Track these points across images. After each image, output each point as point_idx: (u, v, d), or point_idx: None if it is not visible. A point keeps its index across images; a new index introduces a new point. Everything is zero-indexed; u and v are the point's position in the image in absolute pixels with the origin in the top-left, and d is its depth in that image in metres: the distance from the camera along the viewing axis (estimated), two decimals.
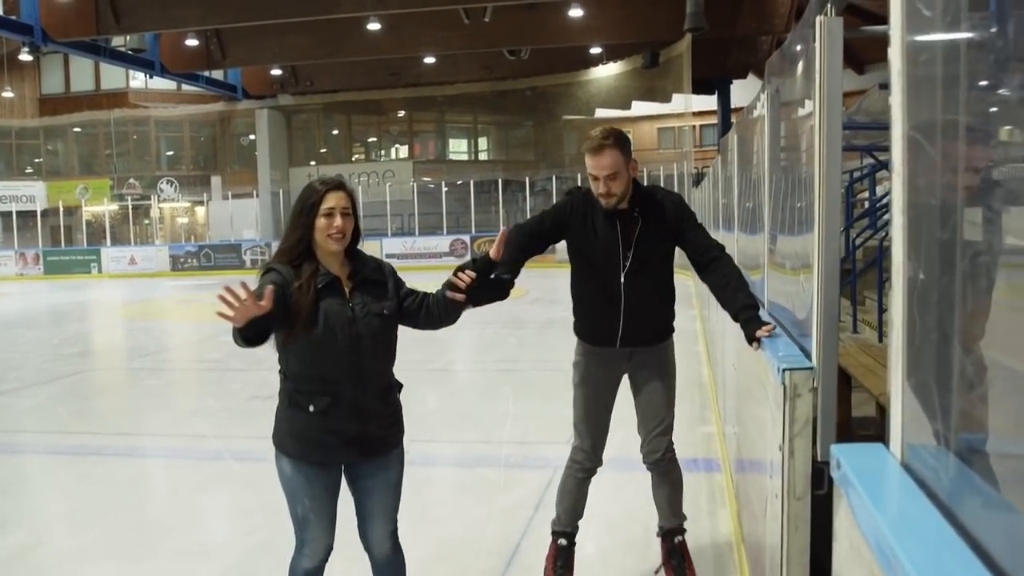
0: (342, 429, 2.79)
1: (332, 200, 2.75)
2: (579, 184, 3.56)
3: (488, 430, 6.48)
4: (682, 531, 3.70)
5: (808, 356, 2.28)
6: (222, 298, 2.48)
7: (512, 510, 4.62)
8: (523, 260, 3.34)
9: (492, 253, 2.94)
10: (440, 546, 4.25)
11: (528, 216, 28.02)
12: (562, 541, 3.69)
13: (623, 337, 3.46)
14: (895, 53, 1.27)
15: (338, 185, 2.81)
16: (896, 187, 1.25)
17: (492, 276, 2.97)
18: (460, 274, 2.89)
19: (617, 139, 3.28)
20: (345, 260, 2.89)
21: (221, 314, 2.50)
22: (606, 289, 3.42)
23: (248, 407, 7.63)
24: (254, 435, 6.60)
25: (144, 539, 4.46)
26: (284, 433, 2.85)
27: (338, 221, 2.75)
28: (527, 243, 3.40)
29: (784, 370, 2.16)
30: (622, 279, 3.39)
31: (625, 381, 3.63)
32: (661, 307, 3.55)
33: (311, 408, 2.75)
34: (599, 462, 3.62)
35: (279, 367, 2.88)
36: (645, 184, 3.52)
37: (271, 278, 2.73)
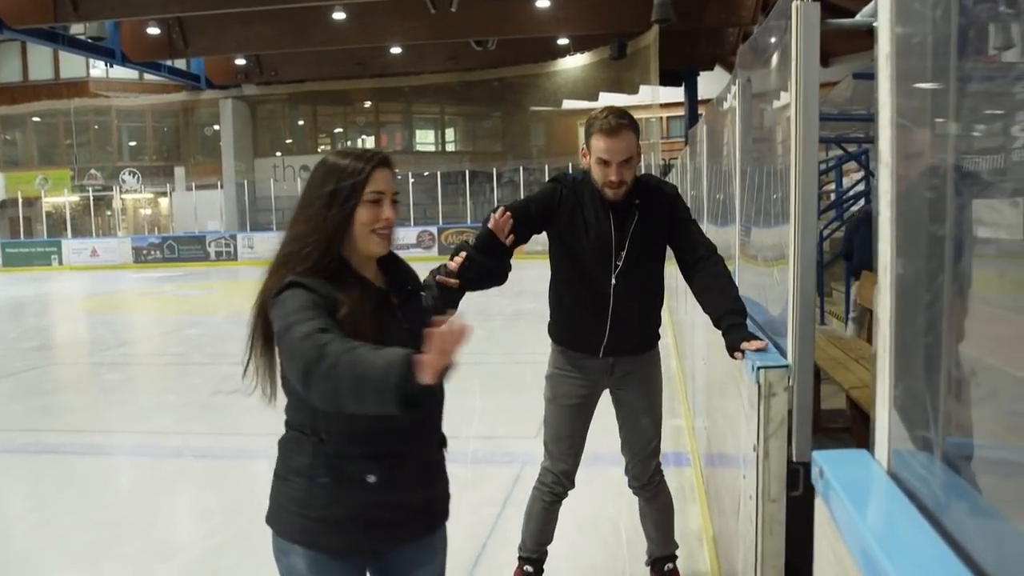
0: (408, 499, 2.02)
1: (380, 181, 1.94)
2: (568, 172, 3.17)
3: (455, 425, 6.34)
4: (673, 558, 3.48)
5: (783, 353, 2.22)
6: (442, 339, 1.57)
7: (479, 507, 4.54)
8: (514, 246, 2.91)
9: (492, 225, 2.67)
10: None
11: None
12: (528, 568, 3.42)
13: (608, 345, 3.12)
14: (884, 37, 1.20)
15: (384, 160, 1.98)
16: (883, 179, 1.18)
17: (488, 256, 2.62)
18: (454, 259, 2.52)
19: (632, 120, 2.94)
20: (376, 265, 2.08)
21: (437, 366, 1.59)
22: (593, 290, 3.06)
23: (210, 402, 7.49)
24: (215, 431, 6.50)
25: (100, 541, 4.33)
26: (314, 520, 1.95)
27: (388, 211, 1.96)
28: (515, 228, 2.92)
29: (759, 368, 2.10)
30: (613, 279, 3.03)
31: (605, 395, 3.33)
32: (651, 312, 3.22)
33: (370, 479, 1.93)
34: (571, 485, 3.32)
35: (296, 424, 2.03)
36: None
37: (310, 299, 1.84)
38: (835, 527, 1.18)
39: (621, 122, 2.88)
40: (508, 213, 2.72)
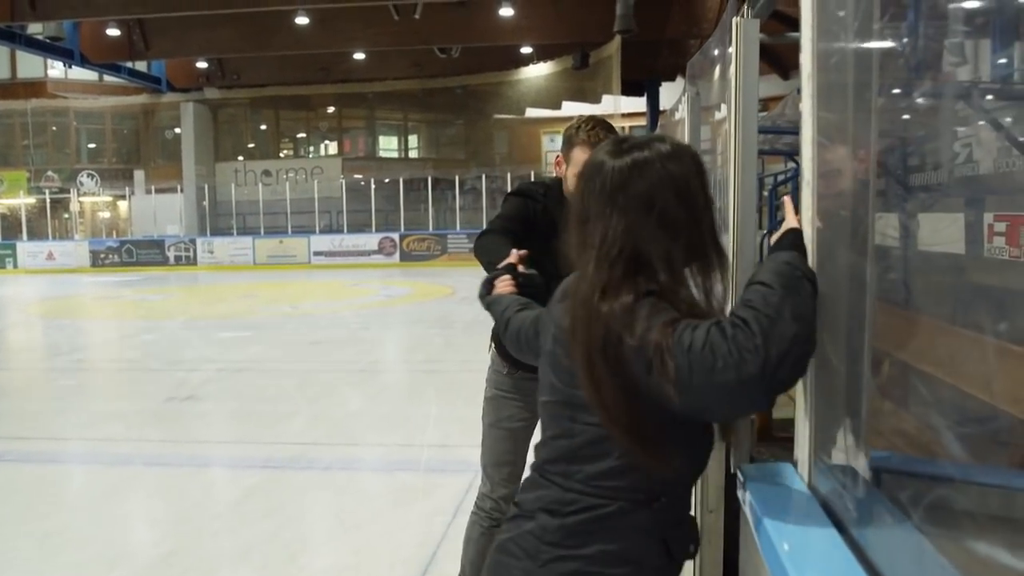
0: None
1: None
2: (531, 183, 3.06)
3: (410, 433, 6.37)
4: None
5: None
6: None
7: (430, 516, 4.53)
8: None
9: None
10: (354, 554, 4.13)
11: (457, 214, 27.91)
12: None
13: None
14: (806, 57, 1.21)
15: None
16: (805, 196, 1.20)
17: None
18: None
19: (615, 133, 2.76)
20: None
21: None
22: None
23: (163, 409, 7.38)
24: (167, 439, 6.41)
25: (42, 551, 4.24)
26: None
27: None
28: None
29: None
30: None
31: None
32: None
33: (692, 548, 1.59)
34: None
35: (615, 490, 1.51)
36: None
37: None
38: (755, 539, 1.19)
39: (608, 135, 2.73)
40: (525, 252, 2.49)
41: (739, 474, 1.33)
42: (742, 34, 2.03)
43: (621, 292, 1.42)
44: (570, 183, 2.76)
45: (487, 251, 2.59)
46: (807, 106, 1.19)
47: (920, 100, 1.18)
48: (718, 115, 2.40)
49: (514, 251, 2.39)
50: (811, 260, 1.20)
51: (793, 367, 1.23)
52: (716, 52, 2.40)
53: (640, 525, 1.46)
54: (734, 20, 2.04)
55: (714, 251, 1.48)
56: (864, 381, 1.21)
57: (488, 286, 2.24)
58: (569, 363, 1.50)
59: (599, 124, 2.79)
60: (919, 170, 1.29)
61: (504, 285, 2.21)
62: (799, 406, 1.22)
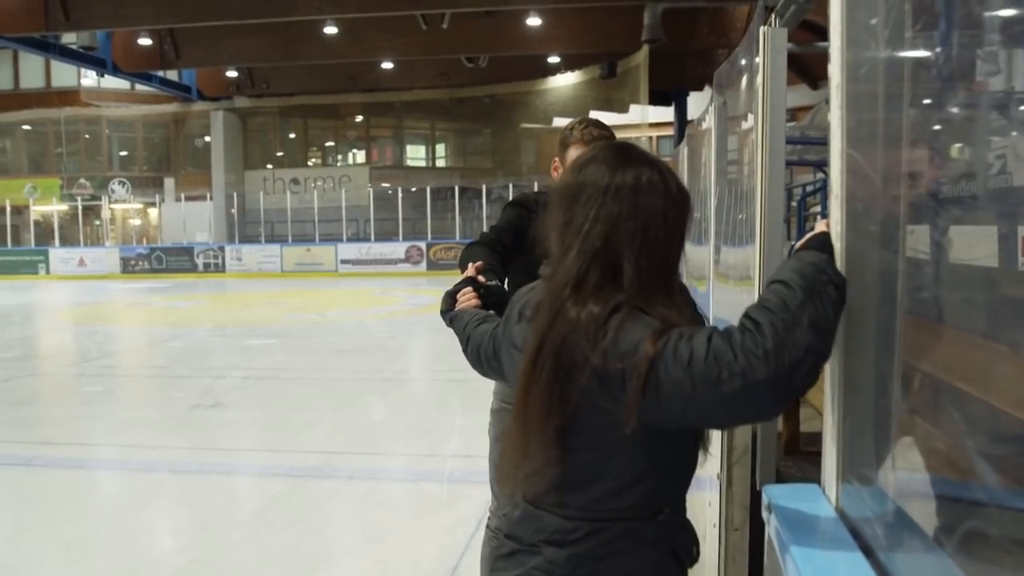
0: None
1: None
2: (530, 192, 3.00)
3: (434, 443, 6.35)
4: None
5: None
6: None
7: (452, 527, 4.50)
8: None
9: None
10: (376, 564, 4.11)
11: (484, 224, 27.91)
12: None
13: None
14: (835, 66, 1.18)
15: None
16: (834, 210, 1.17)
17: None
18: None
19: (612, 134, 2.74)
20: None
21: None
22: None
23: (188, 416, 7.42)
24: (192, 446, 6.43)
25: (67, 557, 4.26)
26: None
27: None
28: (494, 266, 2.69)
29: None
30: None
31: None
32: None
33: (696, 552, 1.58)
34: None
35: (620, 508, 1.47)
36: None
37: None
38: (779, 563, 1.15)
39: (603, 133, 2.69)
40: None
41: (764, 495, 1.29)
42: (769, 44, 2.00)
43: (590, 299, 1.36)
44: None
45: (464, 264, 2.55)
46: (836, 117, 1.16)
47: (953, 110, 1.15)
48: (745, 125, 2.36)
49: (471, 264, 2.32)
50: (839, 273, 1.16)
51: (805, 377, 1.17)
52: (744, 62, 2.37)
53: (648, 540, 1.42)
54: (761, 29, 2.01)
55: (673, 279, 1.44)
56: (894, 400, 1.17)
57: (451, 300, 2.13)
58: None
59: (592, 123, 2.73)
60: (952, 182, 1.26)
61: (466, 298, 2.11)
62: (826, 425, 1.19)
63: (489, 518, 3.06)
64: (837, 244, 1.17)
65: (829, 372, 1.18)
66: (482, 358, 1.83)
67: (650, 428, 1.33)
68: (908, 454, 1.17)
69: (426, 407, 7.79)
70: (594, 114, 28.15)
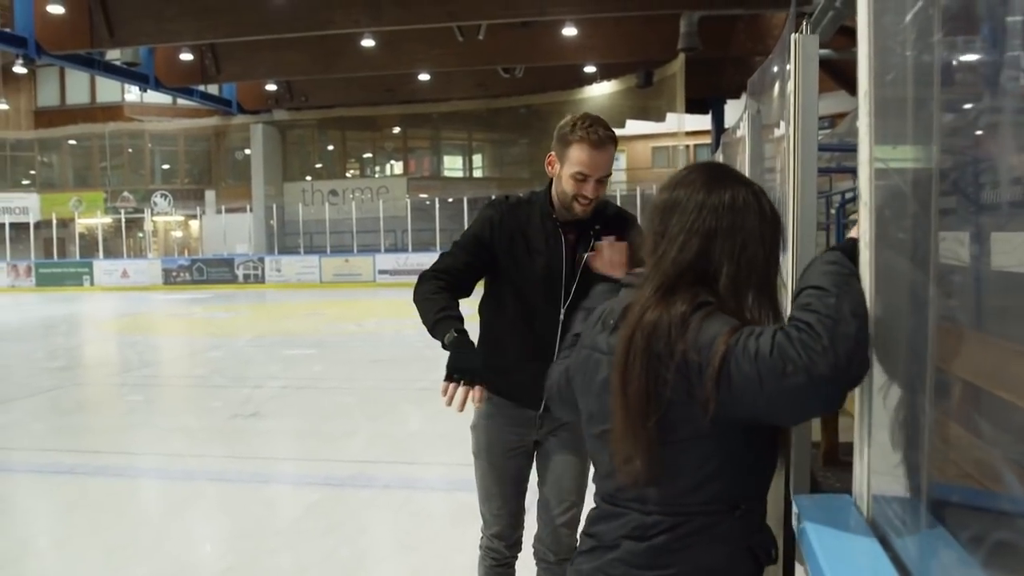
0: None
1: None
2: (528, 193, 2.81)
3: (469, 453, 6.34)
4: None
5: None
6: None
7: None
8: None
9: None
10: (410, 574, 4.13)
11: None
12: None
13: None
14: (863, 73, 1.17)
15: None
16: (863, 219, 1.16)
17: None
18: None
19: (614, 134, 2.65)
20: None
21: None
22: (538, 329, 2.65)
23: (227, 426, 7.50)
24: (230, 455, 6.50)
25: (108, 563, 4.32)
26: None
27: None
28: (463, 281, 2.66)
29: None
30: (561, 315, 2.61)
31: None
32: None
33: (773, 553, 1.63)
34: (518, 548, 2.90)
35: (702, 501, 1.51)
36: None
37: None
38: (810, 573, 1.14)
39: (608, 134, 2.56)
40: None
41: (794, 506, 1.28)
42: (800, 51, 1.98)
43: (677, 299, 1.45)
44: (566, 184, 2.57)
45: (420, 307, 2.55)
46: (864, 124, 1.15)
47: (984, 115, 1.13)
48: (777, 132, 2.35)
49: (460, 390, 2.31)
50: (870, 281, 1.15)
51: (862, 363, 1.25)
52: (776, 69, 2.35)
53: (725, 536, 1.46)
54: (792, 36, 2.00)
55: (766, 293, 1.51)
56: (927, 409, 1.15)
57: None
58: None
59: (597, 121, 2.57)
60: (991, 187, 1.24)
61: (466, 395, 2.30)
62: (858, 437, 1.17)
63: (481, 538, 2.92)
64: (866, 251, 1.15)
65: (861, 383, 1.16)
66: (563, 396, 1.89)
67: (726, 424, 1.40)
68: (940, 464, 1.16)
69: (461, 417, 7.73)
70: (631, 123, 28.15)
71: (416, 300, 2.57)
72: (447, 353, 2.35)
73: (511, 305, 2.69)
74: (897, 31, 1.13)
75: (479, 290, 2.79)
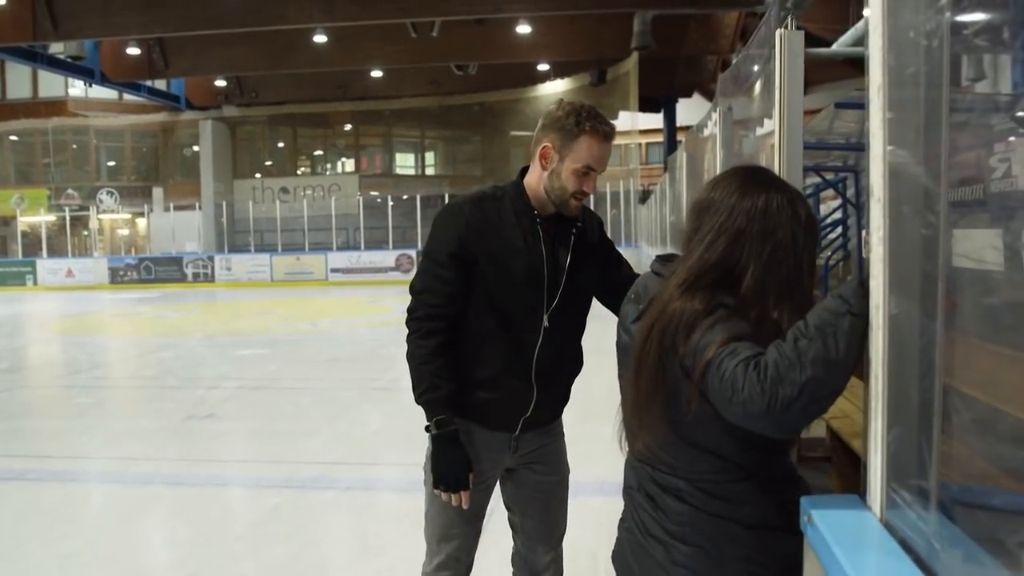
0: None
1: None
2: (488, 189, 2.49)
3: None
4: None
5: None
6: None
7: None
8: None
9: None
10: None
11: None
12: None
13: (529, 417, 2.46)
14: (875, 68, 1.15)
15: None
16: (875, 214, 1.14)
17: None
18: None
19: None
20: None
21: None
22: (518, 338, 2.39)
23: (182, 428, 7.35)
24: (187, 458, 6.36)
25: (64, 571, 4.19)
26: None
27: None
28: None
29: None
30: (545, 322, 2.38)
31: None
32: (577, 364, 2.56)
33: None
34: None
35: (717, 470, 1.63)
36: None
37: None
38: (824, 572, 1.12)
39: (613, 127, 2.37)
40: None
41: (803, 506, 1.26)
42: (786, 48, 1.98)
43: (697, 297, 1.50)
44: (567, 179, 2.32)
45: (414, 371, 2.39)
46: (876, 120, 1.13)
47: (997, 114, 1.12)
48: (760, 130, 2.34)
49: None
50: (882, 282, 1.14)
51: (803, 411, 1.30)
52: (755, 67, 2.34)
53: (746, 497, 1.55)
54: (778, 32, 1.99)
55: (796, 297, 1.53)
56: (939, 409, 1.14)
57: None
58: None
59: (599, 113, 2.35)
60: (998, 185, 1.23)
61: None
62: (871, 436, 1.16)
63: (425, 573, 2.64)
64: (879, 249, 1.14)
65: (873, 380, 1.15)
66: None
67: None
68: (954, 464, 1.14)
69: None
70: None
71: (410, 357, 2.39)
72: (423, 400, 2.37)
73: (488, 313, 2.38)
74: (911, 25, 1.12)
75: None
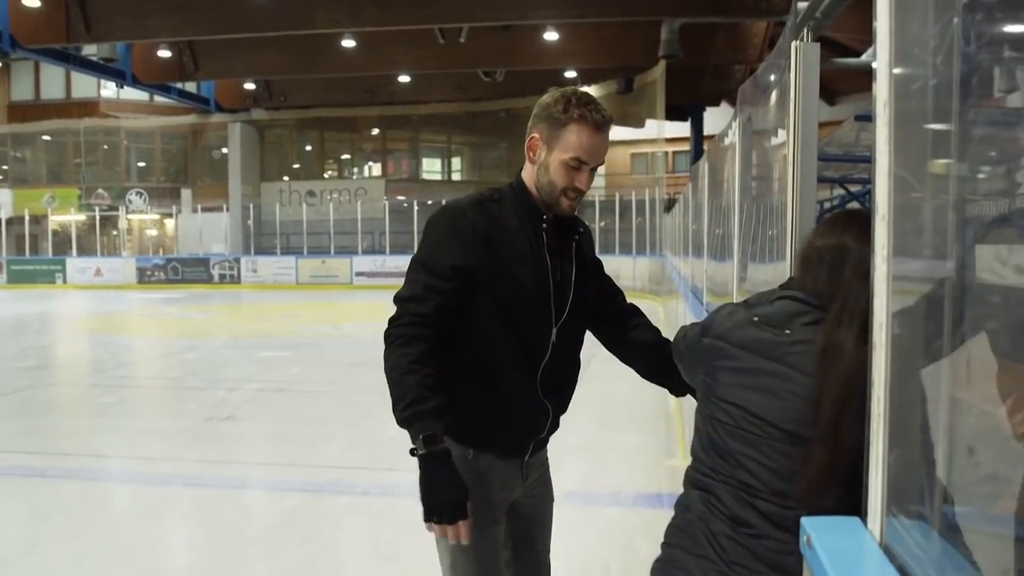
0: None
1: None
2: (488, 193, 2.26)
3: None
4: None
5: None
6: None
7: None
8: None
9: None
10: None
11: None
12: None
13: (541, 437, 2.27)
14: (882, 82, 1.13)
15: None
16: (880, 232, 1.12)
17: None
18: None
19: None
20: None
21: None
22: (530, 356, 2.16)
23: (202, 429, 7.40)
24: (206, 459, 6.40)
25: (78, 571, 4.22)
26: None
27: None
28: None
29: None
30: (553, 336, 2.17)
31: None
32: (577, 375, 2.34)
33: None
34: None
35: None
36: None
37: None
38: None
39: (609, 116, 2.14)
40: None
41: (803, 528, 1.24)
42: (801, 58, 1.96)
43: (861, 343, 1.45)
44: (555, 173, 2.11)
45: (393, 384, 2.03)
46: (882, 135, 1.11)
47: (1007, 127, 1.10)
48: (775, 140, 2.31)
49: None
50: (885, 302, 1.12)
51: None
52: (773, 77, 2.32)
53: None
54: (793, 44, 1.97)
55: None
56: (941, 431, 1.12)
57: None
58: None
59: (592, 99, 2.13)
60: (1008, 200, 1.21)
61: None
62: (872, 457, 1.14)
63: None
64: (883, 267, 1.12)
65: (875, 402, 1.13)
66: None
67: None
68: (956, 487, 1.12)
69: None
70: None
71: (390, 369, 2.04)
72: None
73: (496, 329, 2.12)
74: (919, 39, 1.10)
75: None
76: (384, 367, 2.05)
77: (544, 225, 2.16)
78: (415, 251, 2.16)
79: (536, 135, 2.14)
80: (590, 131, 2.08)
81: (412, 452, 1.97)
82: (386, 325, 2.10)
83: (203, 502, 5.42)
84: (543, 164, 2.12)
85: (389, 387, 2.03)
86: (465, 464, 2.09)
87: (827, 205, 10.04)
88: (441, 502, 1.96)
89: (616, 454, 5.96)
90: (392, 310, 2.12)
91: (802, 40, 1.95)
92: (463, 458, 2.11)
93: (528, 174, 2.19)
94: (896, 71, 1.13)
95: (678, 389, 2.27)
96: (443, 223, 2.14)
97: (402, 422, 1.99)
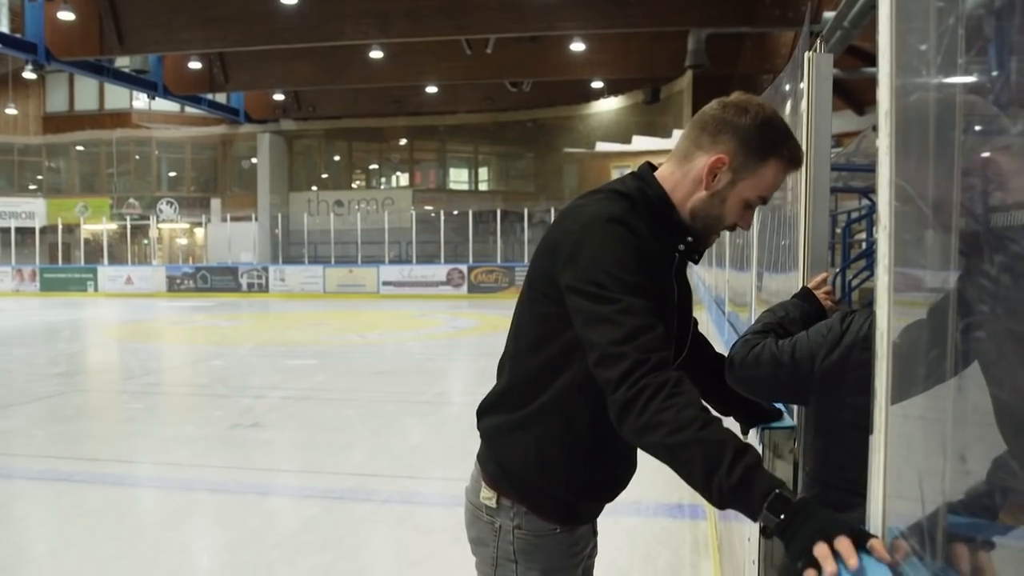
0: None
1: None
2: (614, 194, 1.79)
3: (471, 467, 6.30)
4: None
5: (789, 412, 2.14)
6: None
7: None
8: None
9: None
10: None
11: (526, 247, 27.79)
12: None
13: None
14: (883, 93, 1.14)
15: None
16: (882, 243, 1.12)
17: None
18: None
19: None
20: None
21: None
22: None
23: (228, 436, 7.46)
24: (231, 465, 6.46)
25: (104, 574, 4.28)
26: None
27: None
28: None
29: (764, 429, 2.02)
30: None
31: None
32: None
33: None
34: None
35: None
36: None
37: None
38: None
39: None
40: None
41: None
42: (815, 69, 1.96)
43: None
44: (731, 207, 1.75)
45: (712, 444, 1.41)
46: (884, 145, 1.12)
47: (1010, 137, 1.10)
48: None
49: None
50: (886, 312, 1.12)
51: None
52: (788, 87, 2.33)
53: None
54: (806, 55, 1.97)
55: None
56: (946, 444, 1.12)
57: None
58: None
59: (794, 136, 1.78)
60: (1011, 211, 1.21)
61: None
62: (873, 471, 1.14)
63: None
64: (884, 278, 1.12)
65: (876, 414, 1.13)
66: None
67: None
68: (959, 501, 1.12)
69: (464, 431, 7.74)
70: (637, 139, 28.16)
71: (672, 431, 1.45)
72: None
73: None
74: (920, 50, 1.11)
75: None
76: (658, 436, 1.47)
77: (681, 247, 1.79)
78: (573, 280, 1.64)
79: (724, 157, 1.71)
80: (788, 171, 1.76)
81: (766, 531, 1.34)
82: (613, 391, 1.52)
83: (226, 508, 5.47)
84: (719, 193, 1.74)
85: (679, 457, 1.46)
86: (553, 541, 1.81)
87: (854, 215, 9.97)
88: (828, 522, 1.26)
89: (639, 461, 5.94)
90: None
91: (815, 51, 1.95)
92: (546, 535, 1.82)
93: (683, 191, 1.78)
94: (898, 81, 1.14)
95: (748, 421, 2.05)
96: (606, 231, 1.65)
97: (734, 486, 1.36)
